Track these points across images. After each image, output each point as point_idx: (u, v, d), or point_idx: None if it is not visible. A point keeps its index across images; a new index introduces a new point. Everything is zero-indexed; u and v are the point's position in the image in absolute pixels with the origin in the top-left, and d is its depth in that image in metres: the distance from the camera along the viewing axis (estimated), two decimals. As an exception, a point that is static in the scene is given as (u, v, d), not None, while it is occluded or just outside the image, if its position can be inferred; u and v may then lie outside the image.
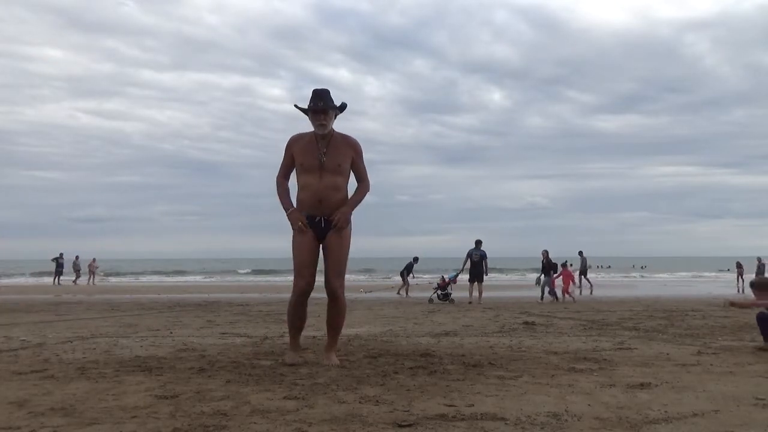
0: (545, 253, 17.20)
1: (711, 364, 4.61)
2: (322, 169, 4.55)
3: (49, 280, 32.46)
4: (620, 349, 5.53)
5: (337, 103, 4.64)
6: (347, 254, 4.70)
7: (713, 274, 45.12)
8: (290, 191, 4.73)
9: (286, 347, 5.06)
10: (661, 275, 44.25)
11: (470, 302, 14.79)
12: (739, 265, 26.38)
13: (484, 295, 15.68)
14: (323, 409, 3.09)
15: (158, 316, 9.88)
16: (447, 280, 16.05)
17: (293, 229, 4.61)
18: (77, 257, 32.45)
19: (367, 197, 4.84)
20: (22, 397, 3.39)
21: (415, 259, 20.94)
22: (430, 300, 15.45)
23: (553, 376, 4.07)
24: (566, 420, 2.88)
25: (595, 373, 4.18)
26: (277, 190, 4.70)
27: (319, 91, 4.61)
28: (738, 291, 23.45)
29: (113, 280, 39.66)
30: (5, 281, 37.39)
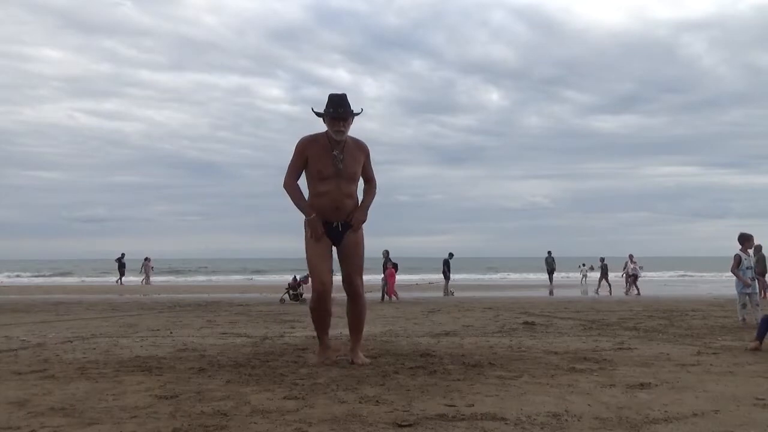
0: (386, 253, 17.40)
1: (711, 364, 4.61)
2: (340, 177, 4.53)
3: (66, 280, 32.43)
4: (620, 349, 5.53)
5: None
6: (363, 253, 4.78)
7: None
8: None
9: (316, 348, 4.97)
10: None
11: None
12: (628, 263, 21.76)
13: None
14: (323, 409, 3.09)
15: (158, 316, 9.88)
16: (299, 280, 15.80)
17: (312, 235, 4.57)
18: (146, 258, 31.33)
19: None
20: (22, 397, 3.39)
21: (450, 255, 20.63)
22: (282, 300, 15.12)
23: (553, 376, 4.07)
24: (566, 420, 2.88)
25: (595, 373, 4.18)
26: (291, 193, 4.62)
27: (338, 97, 4.53)
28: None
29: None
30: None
